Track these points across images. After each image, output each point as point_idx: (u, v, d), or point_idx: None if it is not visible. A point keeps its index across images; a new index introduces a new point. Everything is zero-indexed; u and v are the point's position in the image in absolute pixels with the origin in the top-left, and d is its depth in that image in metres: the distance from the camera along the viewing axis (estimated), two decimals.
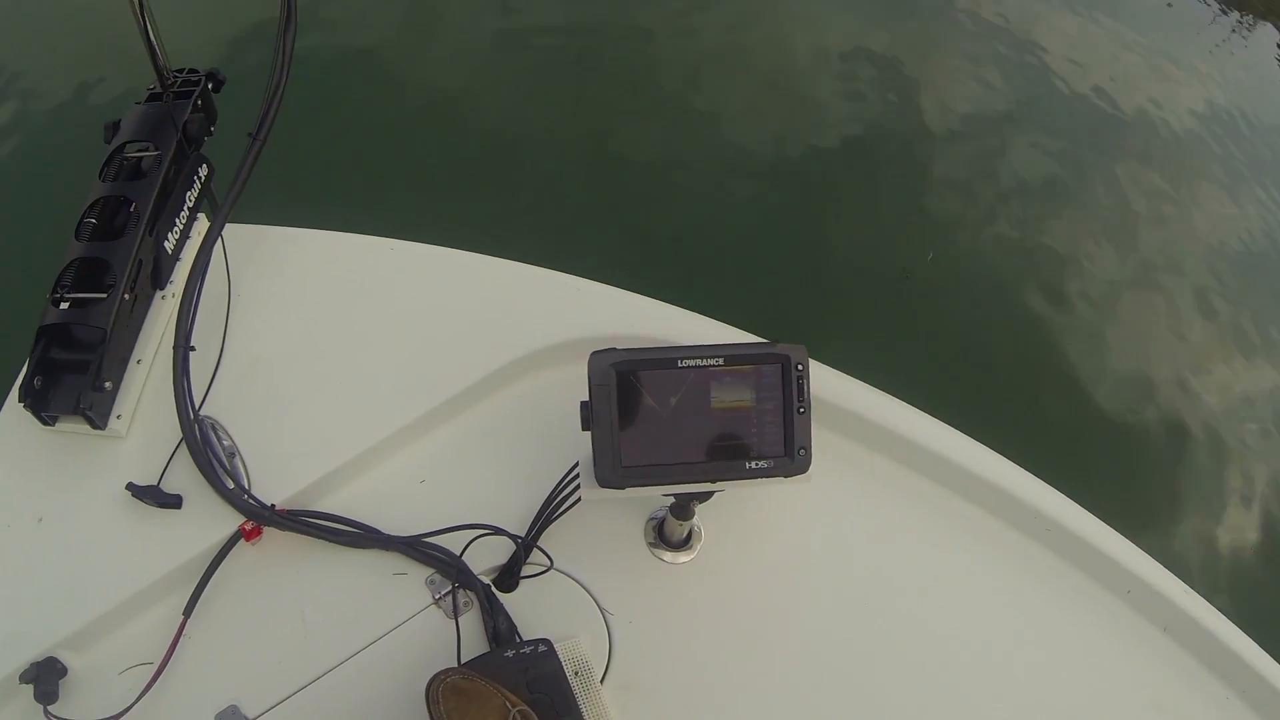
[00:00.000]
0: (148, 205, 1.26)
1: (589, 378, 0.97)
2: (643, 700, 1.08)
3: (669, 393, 0.98)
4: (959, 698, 1.12)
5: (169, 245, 1.34)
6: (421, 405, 1.24)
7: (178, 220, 1.36)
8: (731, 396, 0.99)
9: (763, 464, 1.00)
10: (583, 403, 0.98)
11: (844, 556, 1.21)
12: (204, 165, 1.40)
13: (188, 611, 1.07)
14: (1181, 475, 2.92)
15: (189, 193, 1.38)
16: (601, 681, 1.08)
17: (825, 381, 1.29)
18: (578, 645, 1.09)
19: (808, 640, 1.14)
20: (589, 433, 0.98)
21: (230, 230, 1.39)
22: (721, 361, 0.99)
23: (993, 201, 3.48)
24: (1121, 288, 3.36)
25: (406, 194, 2.99)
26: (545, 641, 1.02)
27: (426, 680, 0.93)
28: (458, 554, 1.13)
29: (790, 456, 1.01)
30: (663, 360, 0.98)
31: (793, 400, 1.00)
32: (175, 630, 1.06)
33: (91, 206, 1.27)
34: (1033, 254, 3.35)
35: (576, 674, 1.05)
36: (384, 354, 1.30)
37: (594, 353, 0.98)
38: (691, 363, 0.98)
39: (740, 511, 1.22)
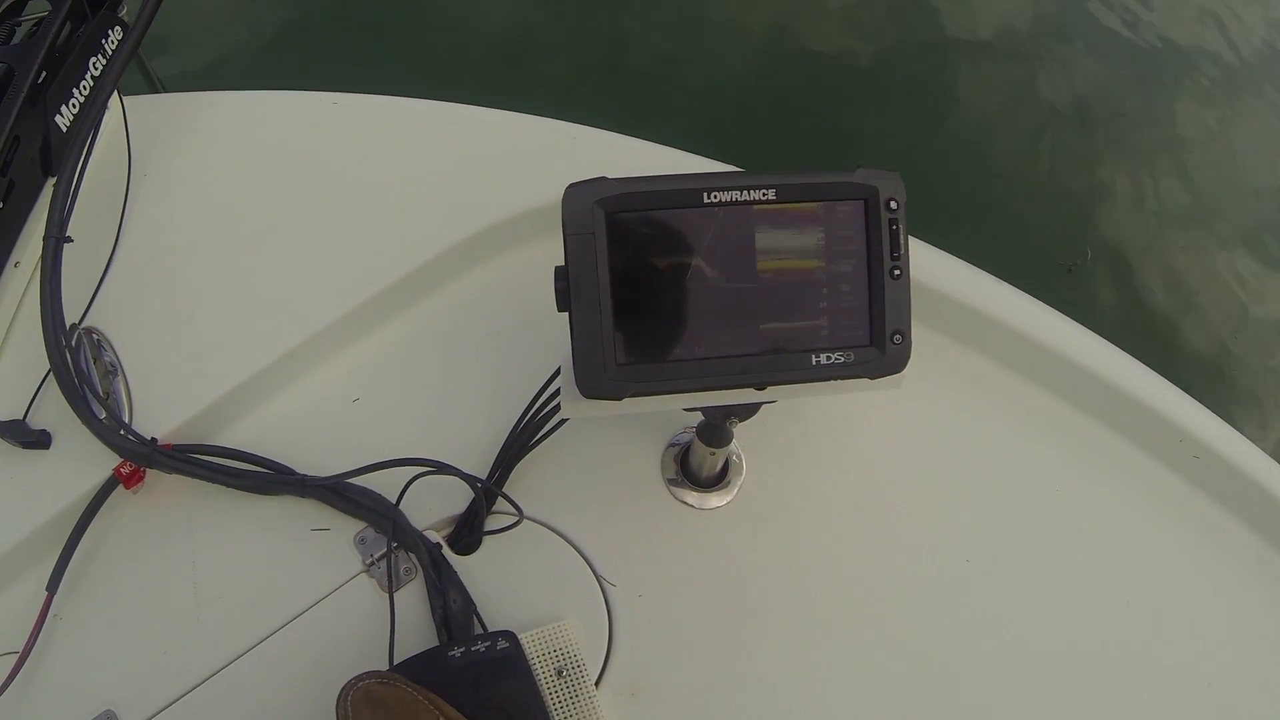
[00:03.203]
0: (29, 72, 1.02)
1: (564, 224, 0.63)
2: (654, 708, 0.77)
3: (690, 247, 0.64)
4: (1086, 690, 0.83)
5: (63, 122, 1.08)
6: (353, 298, 0.94)
7: (76, 92, 1.11)
8: (787, 252, 0.65)
9: (836, 358, 0.66)
10: (557, 268, 0.65)
11: (944, 497, 0.90)
12: (116, 28, 1.15)
13: (52, 586, 0.82)
14: None
15: (93, 59, 1.13)
16: (597, 683, 0.77)
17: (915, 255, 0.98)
18: (564, 631, 0.77)
19: (890, 619, 0.84)
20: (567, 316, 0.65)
21: (140, 101, 1.14)
22: (773, 195, 0.64)
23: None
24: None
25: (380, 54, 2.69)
26: (507, 635, 0.71)
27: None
28: (394, 501, 0.82)
29: (878, 346, 0.66)
30: (678, 193, 0.64)
31: (882, 258, 0.66)
32: (39, 610, 0.81)
33: None
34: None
35: (561, 673, 0.73)
36: (315, 235, 1.02)
37: (571, 185, 0.64)
38: (725, 196, 0.64)
39: (800, 432, 0.92)
